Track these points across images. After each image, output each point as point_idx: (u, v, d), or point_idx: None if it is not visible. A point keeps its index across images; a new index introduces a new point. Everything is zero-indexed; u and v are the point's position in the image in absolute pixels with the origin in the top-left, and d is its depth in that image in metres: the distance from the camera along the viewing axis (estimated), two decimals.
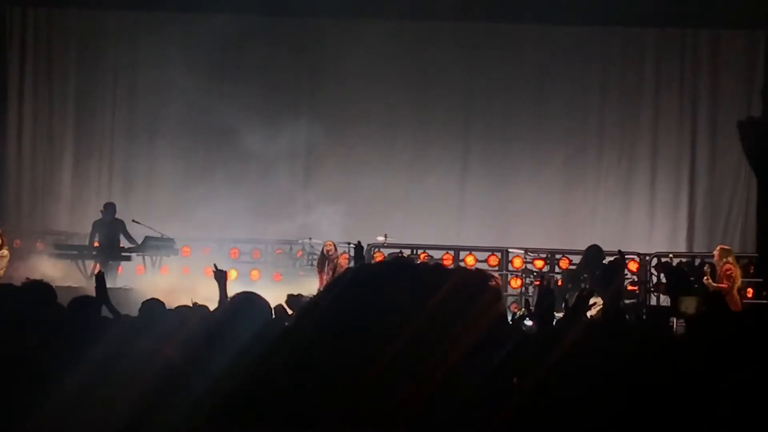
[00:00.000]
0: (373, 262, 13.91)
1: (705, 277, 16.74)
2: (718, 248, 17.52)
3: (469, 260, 20.41)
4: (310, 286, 18.74)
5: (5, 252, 17.90)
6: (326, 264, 18.12)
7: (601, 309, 15.29)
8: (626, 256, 19.33)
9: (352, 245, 20.62)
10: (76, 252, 18.65)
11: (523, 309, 17.52)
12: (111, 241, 18.84)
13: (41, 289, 5.31)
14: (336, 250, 18.43)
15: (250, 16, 22.87)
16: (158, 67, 22.55)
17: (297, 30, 23.14)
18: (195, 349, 4.58)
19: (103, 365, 4.53)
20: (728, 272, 16.82)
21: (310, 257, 20.22)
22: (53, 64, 23.71)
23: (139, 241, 19.01)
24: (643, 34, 22.92)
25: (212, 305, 6.93)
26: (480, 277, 2.71)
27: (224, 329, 4.83)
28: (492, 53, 23.08)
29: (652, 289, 17.50)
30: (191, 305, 6.83)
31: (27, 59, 23.75)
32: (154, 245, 18.97)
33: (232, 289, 5.75)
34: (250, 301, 5.14)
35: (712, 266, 16.99)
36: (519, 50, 22.98)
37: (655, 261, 19.20)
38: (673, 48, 22.92)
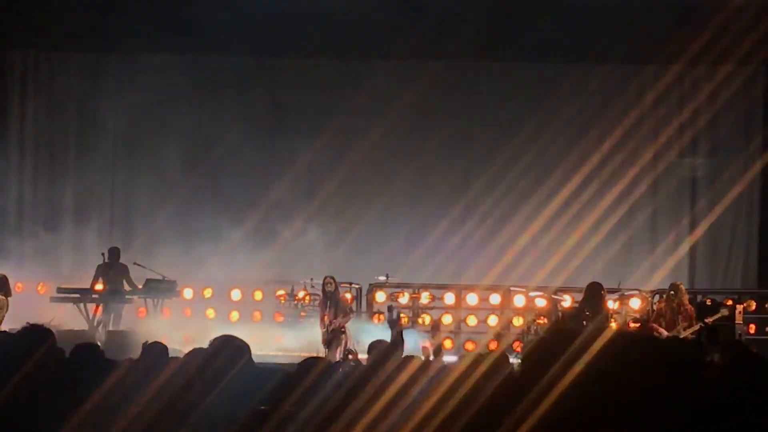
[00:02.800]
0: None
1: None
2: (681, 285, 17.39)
3: (472, 299, 20.40)
4: (313, 327, 18.75)
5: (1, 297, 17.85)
6: (328, 302, 18.07)
7: None
8: (627, 293, 19.49)
9: (354, 286, 20.71)
10: (78, 295, 18.62)
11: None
12: (114, 285, 18.84)
13: (39, 333, 5.31)
14: (336, 285, 18.37)
15: (252, 58, 23.00)
16: (158, 108, 22.65)
17: (298, 71, 23.23)
18: (190, 393, 4.59)
19: (104, 410, 4.53)
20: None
21: (312, 298, 20.19)
22: (54, 106, 23.78)
23: (141, 284, 19.00)
24: (642, 71, 22.98)
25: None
26: None
27: (203, 372, 4.84)
28: (492, 92, 23.17)
29: (662, 325, 17.42)
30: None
31: (28, 101, 23.82)
32: (156, 288, 18.96)
33: (235, 331, 5.78)
34: (228, 343, 5.15)
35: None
36: (519, 88, 23.06)
37: (657, 297, 19.17)
38: (672, 84, 22.96)
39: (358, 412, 4.89)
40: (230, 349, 5.16)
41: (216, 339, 5.34)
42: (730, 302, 17.97)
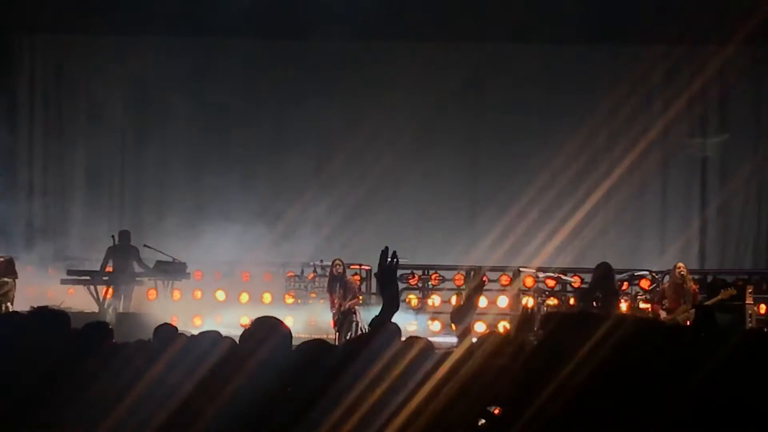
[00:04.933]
0: None
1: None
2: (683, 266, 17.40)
3: None
4: (323, 309, 18.78)
5: (7, 279, 17.92)
6: (337, 284, 18.05)
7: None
8: (637, 274, 19.48)
9: (363, 267, 20.71)
10: (88, 277, 18.65)
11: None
12: (124, 268, 18.88)
13: (52, 315, 5.31)
14: (344, 268, 18.37)
15: (261, 41, 22.99)
16: (167, 91, 22.68)
17: (307, 51, 23.19)
18: (210, 377, 4.57)
19: (115, 392, 4.54)
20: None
21: (322, 279, 20.21)
22: (62, 89, 23.79)
23: (151, 265, 19.03)
24: (651, 51, 22.90)
25: (223, 330, 6.92)
26: None
27: (244, 356, 4.78)
28: (500, 72, 23.12)
29: (664, 306, 17.45)
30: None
31: (36, 85, 23.82)
32: (166, 269, 18.97)
33: (246, 313, 5.74)
34: (271, 327, 5.04)
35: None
36: (527, 69, 23.00)
37: (666, 278, 19.12)
38: (681, 65, 22.88)
39: (361, 392, 4.87)
40: (273, 335, 5.00)
41: (257, 320, 5.19)
42: (730, 289, 17.83)
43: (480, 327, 19.75)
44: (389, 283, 5.35)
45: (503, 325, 18.85)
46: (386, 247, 5.26)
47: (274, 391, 4.43)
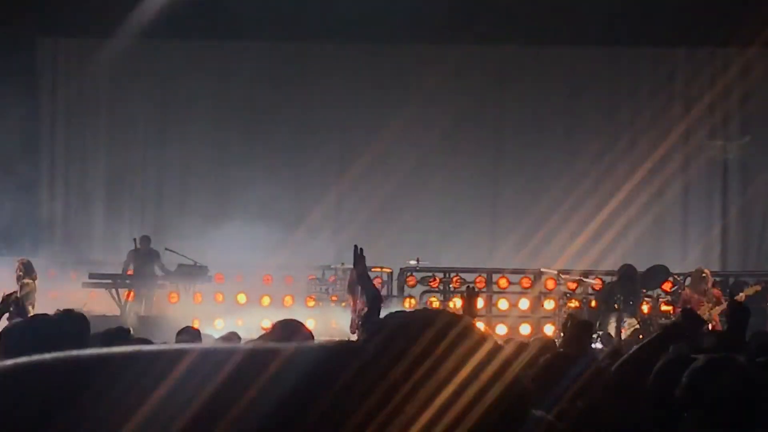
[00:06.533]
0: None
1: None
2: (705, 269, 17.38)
3: (502, 282, 20.36)
4: (343, 311, 18.77)
5: (28, 281, 18.00)
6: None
7: (634, 330, 15.33)
8: None
9: (384, 270, 20.68)
10: (110, 281, 18.74)
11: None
12: (146, 271, 18.97)
13: (75, 319, 5.30)
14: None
15: (284, 42, 22.99)
16: (189, 97, 22.72)
17: (328, 54, 23.21)
18: (230, 380, 4.54)
19: (137, 398, 4.52)
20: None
21: (343, 282, 20.20)
22: (84, 94, 23.84)
23: (172, 269, 19.10)
24: (673, 53, 22.86)
25: (244, 333, 6.91)
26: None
27: (264, 360, 4.74)
28: (522, 75, 23.11)
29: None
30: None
31: (58, 90, 23.87)
32: (187, 273, 19.03)
33: (267, 316, 5.72)
34: (293, 330, 4.97)
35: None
36: (549, 72, 23.00)
37: (688, 280, 19.06)
38: (703, 67, 22.83)
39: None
40: (295, 339, 4.94)
41: (278, 324, 5.12)
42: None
43: (501, 329, 19.77)
44: (368, 280, 5.37)
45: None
46: (359, 247, 5.26)
47: (297, 394, 4.40)
